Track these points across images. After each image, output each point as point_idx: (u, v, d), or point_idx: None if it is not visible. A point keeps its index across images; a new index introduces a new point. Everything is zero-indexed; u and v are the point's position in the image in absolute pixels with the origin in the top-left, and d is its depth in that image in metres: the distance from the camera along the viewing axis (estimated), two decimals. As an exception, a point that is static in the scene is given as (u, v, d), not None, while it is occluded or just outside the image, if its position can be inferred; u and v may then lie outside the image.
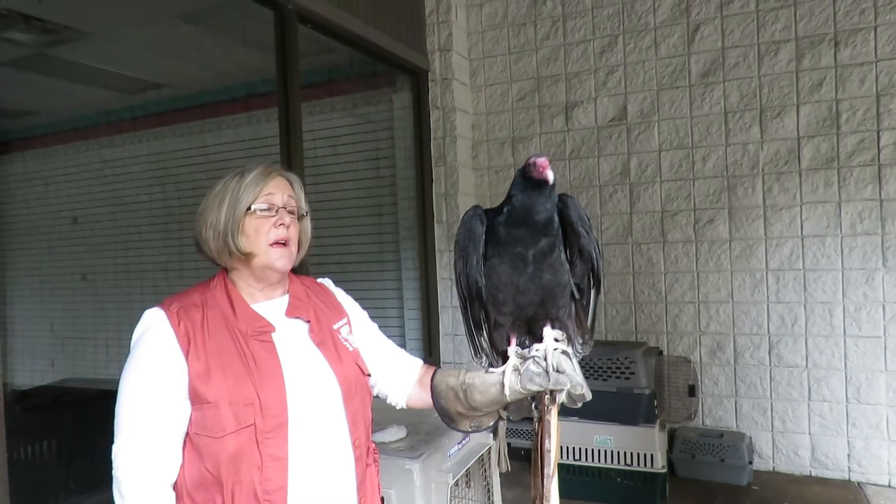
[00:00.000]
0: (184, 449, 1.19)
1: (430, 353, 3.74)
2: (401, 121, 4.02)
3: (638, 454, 3.02)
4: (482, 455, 2.09)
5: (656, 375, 3.16)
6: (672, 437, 3.38)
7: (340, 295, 1.50)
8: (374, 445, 1.37)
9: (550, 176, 1.18)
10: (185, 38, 4.00)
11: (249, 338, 1.24)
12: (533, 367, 1.24)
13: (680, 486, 3.23)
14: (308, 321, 1.33)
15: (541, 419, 1.31)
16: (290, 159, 2.88)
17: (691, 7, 3.57)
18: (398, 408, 1.47)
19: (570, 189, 3.87)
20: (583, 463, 3.10)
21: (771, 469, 3.43)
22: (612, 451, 3.06)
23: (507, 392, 1.27)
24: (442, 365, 3.73)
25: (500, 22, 4.04)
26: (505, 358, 1.33)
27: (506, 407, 1.36)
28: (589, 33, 3.82)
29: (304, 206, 1.38)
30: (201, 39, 4.02)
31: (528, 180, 1.21)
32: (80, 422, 2.83)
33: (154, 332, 1.21)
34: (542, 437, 1.30)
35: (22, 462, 2.71)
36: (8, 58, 4.04)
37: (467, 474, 2.00)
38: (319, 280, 1.52)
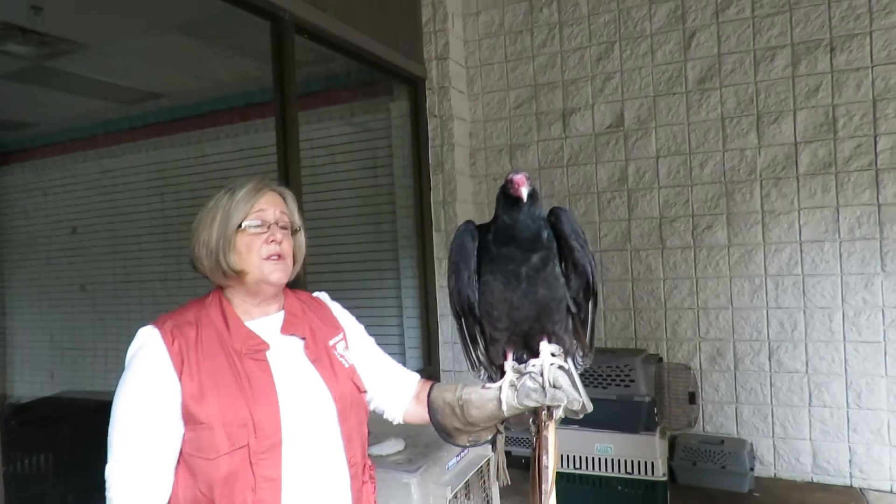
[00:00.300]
0: (177, 470, 1.17)
1: (430, 362, 3.72)
2: (398, 129, 4.01)
3: (638, 462, 3.00)
4: (481, 467, 2.07)
5: (656, 383, 3.13)
6: (673, 445, 3.36)
7: (337, 309, 1.48)
8: (370, 462, 1.35)
9: (525, 193, 1.17)
10: (183, 49, 3.99)
11: (244, 356, 1.23)
12: (529, 383, 1.23)
13: (681, 494, 3.21)
14: (303, 338, 1.32)
15: (538, 434, 1.29)
16: (287, 169, 2.88)
17: (687, 14, 3.57)
18: (395, 423, 1.45)
19: (568, 196, 3.86)
20: (583, 471, 3.08)
21: (772, 475, 3.40)
22: (612, 460, 3.04)
23: (503, 408, 1.26)
24: (441, 373, 3.71)
25: (497, 30, 4.04)
26: (503, 371, 1.32)
27: (504, 421, 1.34)
28: (585, 40, 3.81)
29: (298, 221, 1.36)
30: (199, 50, 4.02)
31: (508, 197, 1.20)
32: (79, 434, 2.82)
33: (147, 350, 1.20)
34: (539, 453, 1.29)
35: (19, 475, 2.69)
36: (6, 70, 4.04)
37: (466, 486, 1.98)
38: (315, 294, 1.50)
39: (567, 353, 1.33)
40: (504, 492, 2.23)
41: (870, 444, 3.22)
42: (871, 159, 3.21)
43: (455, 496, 1.87)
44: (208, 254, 1.26)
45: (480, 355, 1.36)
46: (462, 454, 1.99)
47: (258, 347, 1.24)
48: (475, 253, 1.24)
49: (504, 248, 1.20)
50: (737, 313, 3.48)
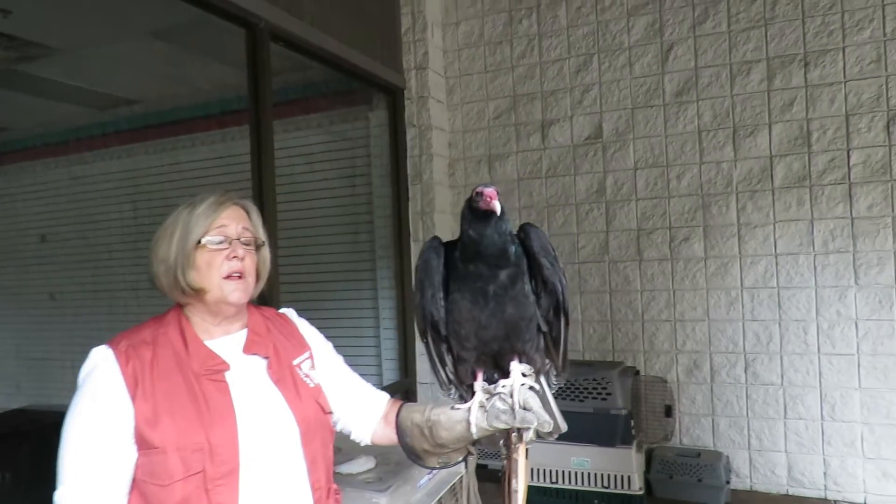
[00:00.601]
0: (130, 496, 1.12)
1: (406, 374, 3.67)
2: (377, 138, 3.98)
3: (615, 476, 2.98)
4: (454, 484, 2.03)
5: (633, 395, 3.12)
6: (650, 458, 3.34)
7: (304, 326, 1.44)
8: (335, 487, 1.31)
9: (498, 206, 1.14)
10: (157, 55, 3.93)
11: (202, 377, 1.18)
12: (499, 405, 1.20)
13: (658, 507, 3.19)
14: (266, 357, 1.27)
15: (508, 457, 1.26)
16: (261, 178, 2.83)
17: (665, 27, 3.58)
18: (362, 444, 1.41)
19: (546, 207, 3.85)
20: (559, 485, 3.05)
21: (748, 488, 3.40)
22: (589, 473, 3.02)
23: (472, 430, 1.22)
24: (418, 385, 3.67)
25: (477, 40, 4.03)
26: (475, 390, 1.29)
27: (475, 443, 1.31)
28: (564, 52, 3.82)
29: (262, 236, 1.32)
30: (173, 56, 3.95)
31: (475, 211, 1.16)
32: (42, 450, 2.72)
33: (100, 372, 1.15)
34: (509, 476, 1.25)
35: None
36: (-26, 74, 3.93)
37: (439, 505, 1.93)
38: (282, 310, 1.46)
39: (538, 373, 1.30)
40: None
41: (844, 456, 3.23)
42: (844, 173, 3.24)
43: (427, 516, 1.83)
44: (166, 270, 1.22)
45: (449, 374, 1.32)
46: (434, 473, 1.95)
47: (217, 368, 1.20)
48: (441, 270, 1.21)
49: (471, 265, 1.16)
50: (713, 325, 3.49)
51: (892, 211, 3.16)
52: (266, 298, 2.62)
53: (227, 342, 1.26)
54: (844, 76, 3.24)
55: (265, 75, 2.87)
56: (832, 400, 3.25)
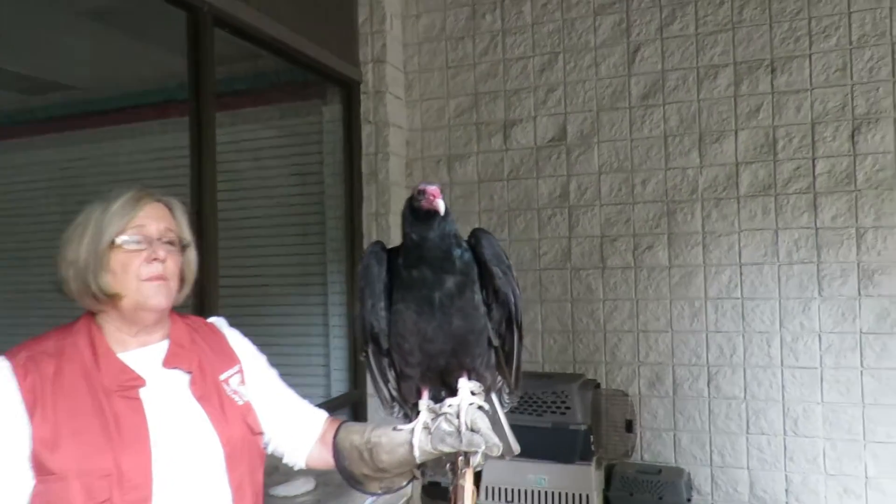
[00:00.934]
0: (23, 530, 1.03)
1: (356, 385, 3.59)
2: (330, 134, 3.89)
3: (573, 494, 2.96)
4: (402, 506, 1.97)
5: (593, 410, 3.12)
6: (609, 474, 3.34)
7: (234, 338, 1.36)
8: (264, 515, 1.24)
9: (442, 206, 1.09)
10: (93, 38, 3.77)
11: (113, 394, 1.10)
12: (445, 426, 1.14)
13: (617, 526, 3.18)
14: (190, 372, 1.20)
15: (454, 483, 1.21)
16: (200, 173, 2.73)
17: (632, 27, 3.60)
18: (296, 469, 1.34)
19: (508, 211, 3.82)
20: (516, 504, 3.01)
21: (710, 505, 3.43)
22: (546, 492, 2.99)
23: (416, 453, 1.17)
24: (368, 398, 3.59)
25: (438, 34, 3.99)
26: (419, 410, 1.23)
27: (420, 466, 1.25)
28: (529, 50, 3.80)
29: (188, 236, 1.24)
30: (110, 39, 3.79)
31: (416, 212, 1.11)
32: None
33: (-7, 387, 1.05)
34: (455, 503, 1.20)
35: None
36: None
37: (384, 530, 1.87)
38: (210, 320, 1.38)
39: (489, 391, 1.25)
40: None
41: (806, 472, 3.28)
42: (809, 182, 3.31)
43: (370, 541, 1.77)
44: (76, 274, 1.14)
45: (392, 391, 1.26)
46: (376, 497, 1.88)
47: (131, 384, 1.11)
48: (383, 277, 1.15)
49: (414, 271, 1.11)
50: (676, 336, 3.51)
51: (856, 222, 3.23)
52: (202, 306, 2.52)
53: (144, 354, 1.18)
54: (811, 83, 3.31)
55: (207, 63, 2.77)
56: (795, 414, 3.30)
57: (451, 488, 1.23)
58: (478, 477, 1.22)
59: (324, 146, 3.91)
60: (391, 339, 1.17)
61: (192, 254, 1.25)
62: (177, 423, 1.12)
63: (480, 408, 1.16)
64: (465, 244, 1.15)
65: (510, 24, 3.83)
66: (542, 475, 2.98)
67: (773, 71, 3.36)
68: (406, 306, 1.13)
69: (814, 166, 3.30)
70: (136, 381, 1.12)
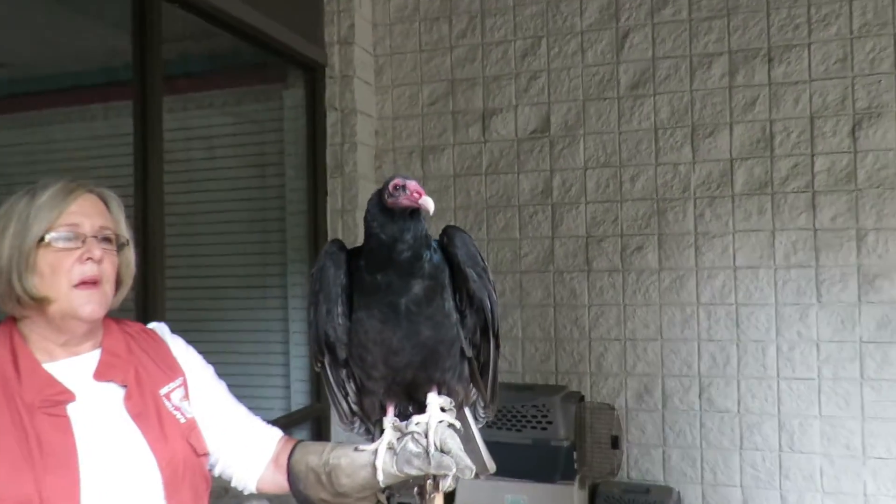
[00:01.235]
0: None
1: (318, 398, 3.54)
2: (292, 122, 3.85)
3: (555, 516, 2.96)
4: (366, 533, 1.94)
5: (577, 425, 3.12)
6: (593, 494, 3.34)
7: (177, 347, 1.32)
8: (209, 546, 1.20)
9: (430, 204, 1.06)
10: (30, 10, 3.67)
11: (36, 411, 1.05)
12: (411, 446, 1.12)
13: (602, 550, 3.19)
14: (125, 385, 1.16)
15: (422, 508, 1.18)
16: (145, 162, 2.67)
17: (621, 11, 3.61)
18: (246, 493, 1.30)
19: (486, 208, 3.81)
20: (492, 528, 3.00)
21: (700, 527, 3.45)
22: (525, 514, 2.98)
23: (379, 476, 1.14)
24: (332, 413, 3.54)
25: (411, 14, 3.96)
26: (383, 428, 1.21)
27: (385, 489, 1.23)
28: (510, 33, 3.79)
29: (125, 233, 1.20)
30: (46, 11, 3.70)
31: (389, 210, 1.08)
32: None
33: None
34: (423, 531, 1.18)
35: None
36: None
37: (346, 558, 1.84)
38: (150, 326, 1.34)
39: (462, 406, 1.23)
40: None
41: (802, 491, 3.32)
42: (807, 180, 3.35)
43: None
44: (-4, 275, 1.09)
45: (353, 405, 1.24)
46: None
47: (57, 399, 1.07)
48: (341, 281, 1.12)
49: (379, 275, 1.08)
50: (666, 345, 3.53)
51: (857, 223, 3.28)
52: (146, 310, 2.47)
53: (73, 365, 1.14)
54: (810, 75, 3.35)
55: (154, 41, 2.72)
56: (791, 429, 3.34)
57: (418, 515, 1.21)
58: (450, 498, 1.20)
59: (285, 135, 3.87)
60: (352, 351, 1.14)
61: (129, 253, 1.21)
62: (109, 444, 1.08)
63: (451, 426, 1.13)
64: (434, 244, 1.12)
65: (490, 5, 3.82)
66: (520, 495, 2.97)
67: (770, 61, 3.40)
68: (369, 314, 1.10)
69: (812, 163, 3.34)
70: (63, 396, 1.07)
